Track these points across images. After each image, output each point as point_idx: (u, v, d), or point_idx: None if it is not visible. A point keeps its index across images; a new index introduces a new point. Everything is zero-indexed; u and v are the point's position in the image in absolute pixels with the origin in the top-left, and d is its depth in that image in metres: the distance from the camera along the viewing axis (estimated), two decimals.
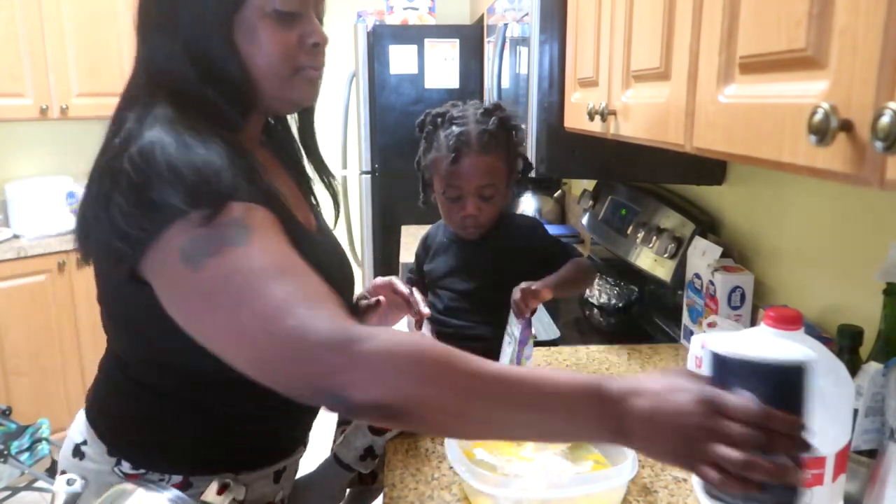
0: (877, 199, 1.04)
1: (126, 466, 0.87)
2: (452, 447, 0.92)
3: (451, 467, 0.98)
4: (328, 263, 0.88)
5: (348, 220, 3.29)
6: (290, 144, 1.02)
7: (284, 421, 0.95)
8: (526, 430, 0.70)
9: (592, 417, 0.64)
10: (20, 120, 3.00)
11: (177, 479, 0.86)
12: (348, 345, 0.62)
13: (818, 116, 0.52)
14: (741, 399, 0.60)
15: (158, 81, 0.82)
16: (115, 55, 3.10)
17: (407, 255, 2.31)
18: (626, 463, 0.88)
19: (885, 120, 0.45)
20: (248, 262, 0.69)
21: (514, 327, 1.04)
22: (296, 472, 1.07)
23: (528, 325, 1.05)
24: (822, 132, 0.52)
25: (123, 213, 0.71)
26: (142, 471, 0.87)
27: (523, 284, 1.09)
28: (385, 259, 3.05)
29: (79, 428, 0.93)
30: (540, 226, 1.30)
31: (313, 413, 1.01)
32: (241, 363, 0.69)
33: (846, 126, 0.51)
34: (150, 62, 0.83)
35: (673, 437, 0.61)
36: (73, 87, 3.02)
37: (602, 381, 0.65)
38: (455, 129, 1.15)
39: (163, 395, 0.87)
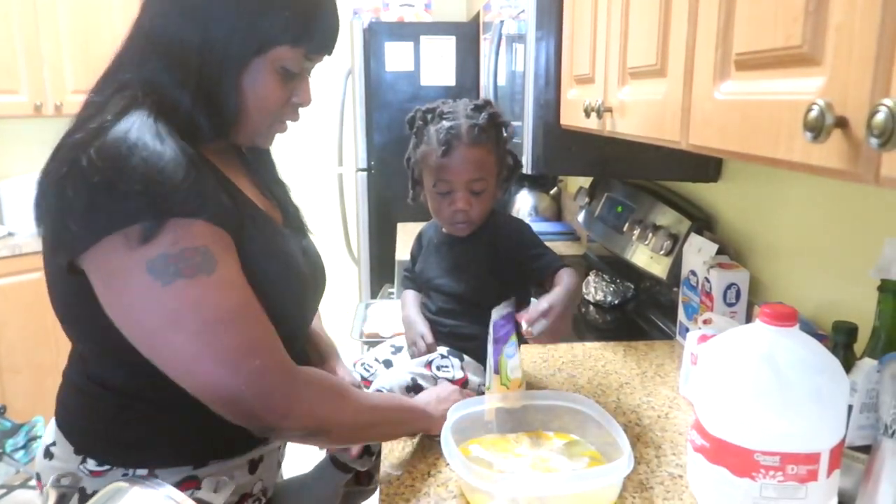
0: (872, 196, 1.05)
1: (91, 464, 0.88)
2: (449, 444, 0.92)
3: (447, 464, 0.98)
4: (296, 254, 0.97)
5: (344, 217, 3.29)
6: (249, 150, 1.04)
7: None
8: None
9: (421, 422, 1.04)
10: (15, 117, 2.99)
11: (142, 472, 0.87)
12: (288, 396, 0.81)
13: (813, 113, 0.52)
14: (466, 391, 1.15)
15: (151, 89, 0.84)
16: (111, 52, 3.09)
17: (403, 252, 2.30)
18: (622, 459, 0.88)
19: (880, 117, 0.45)
20: (216, 295, 0.77)
21: (491, 326, 1.03)
22: (278, 463, 1.06)
23: (507, 322, 1.03)
24: (817, 129, 0.52)
25: (73, 206, 0.74)
26: (106, 467, 0.88)
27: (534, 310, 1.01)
28: (381, 257, 3.05)
29: (51, 429, 0.94)
30: (527, 227, 1.25)
31: None
32: (188, 384, 0.77)
33: (841, 123, 0.51)
34: (153, 71, 0.85)
35: (444, 409, 1.04)
36: (67, 84, 3.01)
37: (416, 405, 1.06)
38: (445, 123, 1.14)
39: (121, 391, 0.88)
